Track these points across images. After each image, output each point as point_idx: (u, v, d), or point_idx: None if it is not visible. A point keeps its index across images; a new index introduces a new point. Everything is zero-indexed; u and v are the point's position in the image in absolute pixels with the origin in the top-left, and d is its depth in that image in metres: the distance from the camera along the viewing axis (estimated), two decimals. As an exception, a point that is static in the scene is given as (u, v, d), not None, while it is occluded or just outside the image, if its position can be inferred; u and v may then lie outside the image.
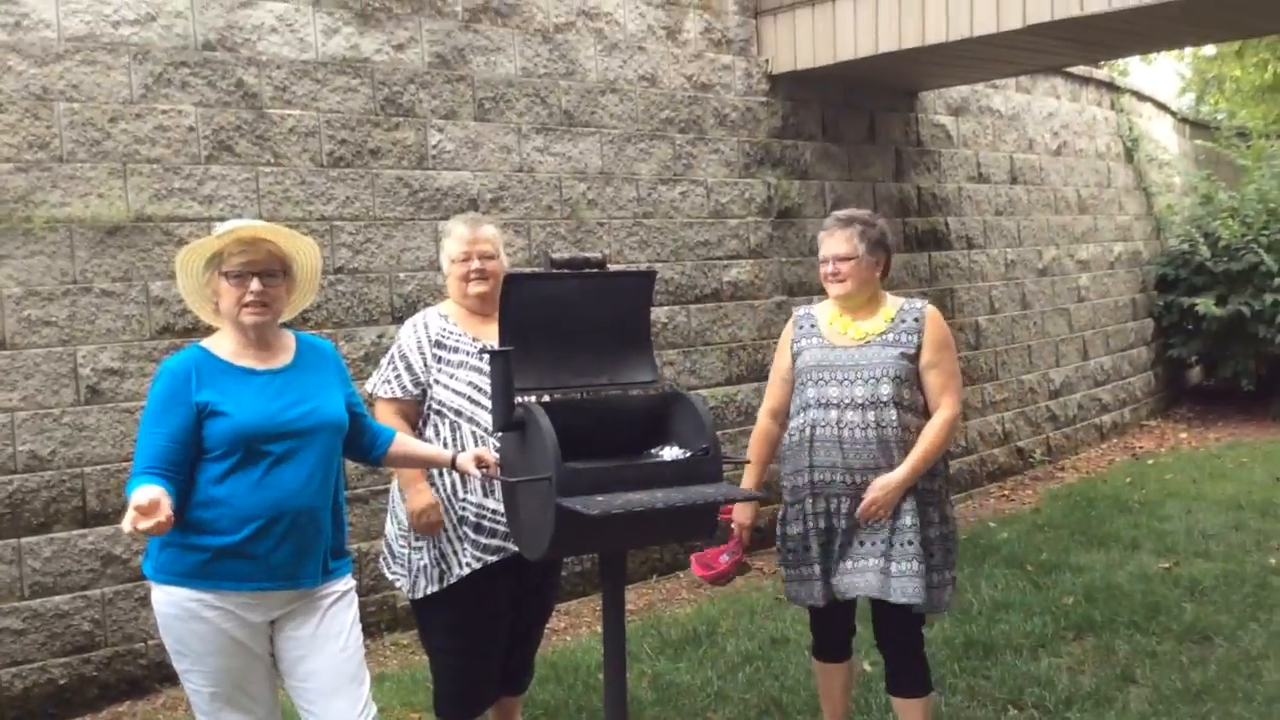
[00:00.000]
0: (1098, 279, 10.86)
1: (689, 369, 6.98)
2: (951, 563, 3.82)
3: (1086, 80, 10.94)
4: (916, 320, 3.78)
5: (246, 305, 3.04)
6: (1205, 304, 11.04)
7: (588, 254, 3.94)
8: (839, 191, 7.99)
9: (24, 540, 4.76)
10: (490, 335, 3.84)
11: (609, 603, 3.43)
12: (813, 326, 3.90)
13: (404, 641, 5.49)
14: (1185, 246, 11.79)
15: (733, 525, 3.95)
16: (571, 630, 5.81)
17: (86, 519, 4.91)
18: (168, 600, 3.00)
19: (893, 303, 3.87)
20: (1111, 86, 11.54)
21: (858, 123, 8.21)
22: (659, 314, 6.80)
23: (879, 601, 3.72)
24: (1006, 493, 8.84)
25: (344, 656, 3.16)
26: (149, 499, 2.68)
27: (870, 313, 3.82)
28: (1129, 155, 11.74)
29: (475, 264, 3.89)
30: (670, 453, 3.45)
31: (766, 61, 7.56)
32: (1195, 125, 15.00)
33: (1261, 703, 4.43)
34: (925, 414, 3.77)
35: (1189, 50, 19.18)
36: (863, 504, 3.67)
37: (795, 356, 3.88)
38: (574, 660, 5.10)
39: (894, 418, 3.66)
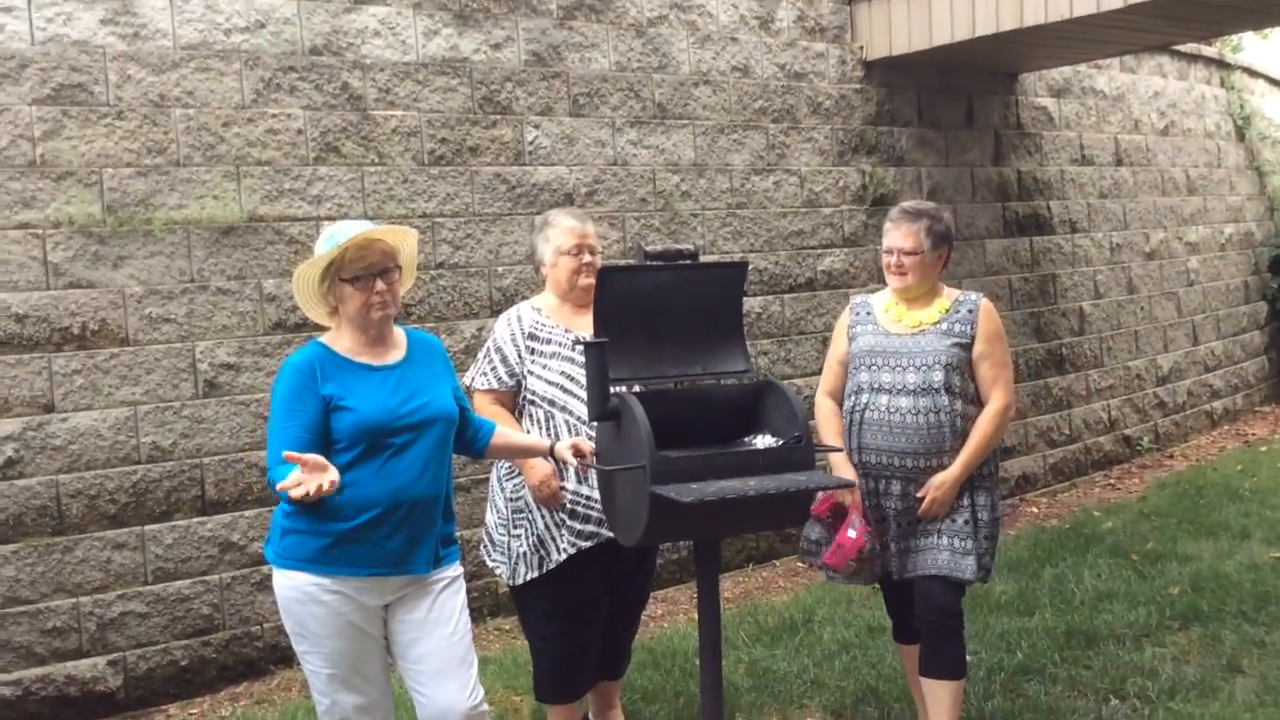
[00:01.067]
0: (1208, 262, 10.56)
1: (783, 358, 7.00)
2: (993, 549, 3.89)
3: (1194, 58, 10.62)
4: (970, 312, 3.86)
5: (373, 305, 3.16)
6: (1321, 286, 10.66)
7: (680, 246, 4.00)
8: (935, 178, 7.92)
9: (147, 528, 5.01)
10: (583, 327, 3.93)
11: (704, 589, 3.50)
12: (869, 314, 4.00)
13: (505, 626, 5.63)
14: (1301, 227, 11.40)
15: (843, 501, 3.95)
16: (669, 617, 5.89)
17: (205, 507, 5.14)
18: (289, 584, 3.13)
19: (948, 294, 3.96)
20: (1221, 64, 11.19)
21: (955, 107, 8.12)
22: (753, 304, 6.83)
23: (923, 581, 3.79)
24: (1112, 481, 8.67)
25: (453, 640, 3.28)
26: (313, 458, 2.85)
27: (926, 303, 3.90)
28: (1240, 134, 11.38)
29: (587, 256, 3.99)
30: (763, 441, 3.50)
31: (861, 48, 7.52)
32: (1313, 100, 14.43)
33: (1376, 695, 4.32)
34: (977, 401, 3.85)
35: (1306, 22, 18.43)
36: (923, 504, 3.77)
37: (851, 341, 3.97)
38: (671, 646, 5.18)
39: (946, 404, 3.74)
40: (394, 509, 3.13)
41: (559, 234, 4.04)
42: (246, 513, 5.21)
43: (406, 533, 3.17)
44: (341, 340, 3.23)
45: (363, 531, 3.09)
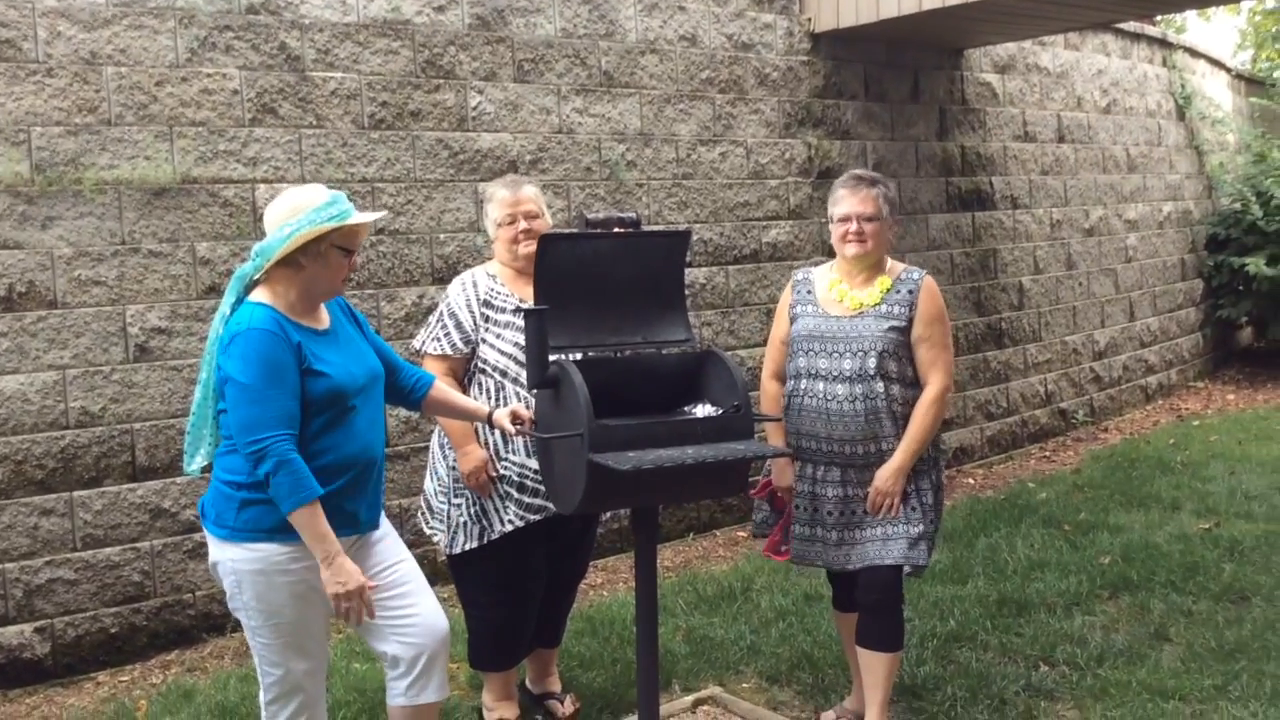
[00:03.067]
0: (1146, 239, 10.72)
1: (728, 329, 7.01)
2: (934, 530, 3.89)
3: (1138, 37, 10.75)
4: (911, 292, 3.81)
5: (347, 277, 3.21)
6: (1256, 264, 10.87)
7: (622, 214, 3.99)
8: (880, 151, 7.94)
9: (76, 494, 4.92)
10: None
11: (641, 556, 3.50)
12: (809, 293, 3.95)
13: (443, 595, 5.58)
14: (1237, 206, 11.62)
15: (779, 493, 4.00)
16: (609, 585, 5.90)
17: (136, 473, 5.05)
18: (251, 556, 3.05)
19: (891, 269, 3.89)
20: (1164, 43, 11.33)
21: (901, 82, 8.15)
22: (698, 274, 6.83)
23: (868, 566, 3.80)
24: (1048, 454, 8.81)
25: (414, 566, 3.36)
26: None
27: (869, 279, 3.85)
28: (1181, 113, 11.54)
29: (522, 224, 3.95)
30: (703, 410, 3.50)
31: (809, 20, 7.51)
32: (1251, 82, 14.68)
33: (1296, 662, 4.43)
34: (915, 384, 3.81)
35: (1247, 5, 18.75)
36: (870, 500, 3.76)
37: (792, 322, 3.94)
38: (610, 614, 5.19)
39: (881, 390, 3.72)
40: (363, 471, 3.16)
41: (494, 207, 4.03)
42: (178, 479, 5.13)
43: (370, 492, 3.22)
44: (282, 303, 3.11)
45: (335, 496, 3.07)
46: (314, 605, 3.13)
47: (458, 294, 3.97)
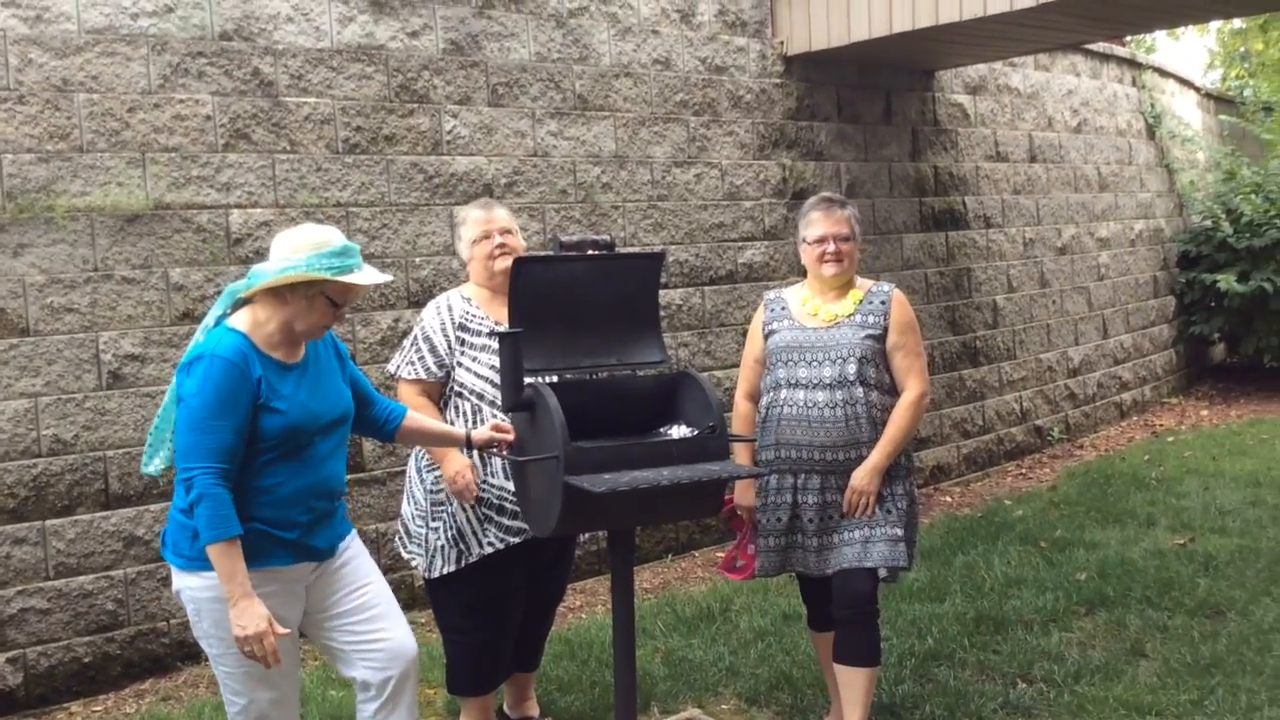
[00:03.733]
0: (1118, 256, 10.81)
1: (704, 350, 7.03)
2: (913, 538, 3.94)
3: (1107, 57, 10.87)
4: (883, 303, 3.91)
5: (329, 326, 3.17)
6: (1227, 281, 10.97)
7: (596, 236, 4.01)
8: (854, 172, 8.00)
9: (48, 522, 4.87)
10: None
11: (618, 578, 3.50)
12: (784, 309, 4.03)
13: (420, 620, 5.56)
14: (1208, 223, 11.73)
15: (739, 512, 4.02)
16: (587, 608, 5.89)
17: (109, 501, 5.01)
18: (207, 584, 3.02)
19: (861, 284, 4.00)
20: (1133, 63, 11.46)
21: (873, 103, 8.21)
22: (674, 296, 6.84)
23: (842, 573, 3.83)
24: (1024, 471, 8.85)
25: (384, 586, 3.36)
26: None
27: (841, 295, 3.94)
28: (1151, 132, 11.67)
29: (498, 239, 3.96)
30: (678, 432, 3.51)
31: (781, 43, 7.57)
32: (1220, 101, 14.86)
33: (1270, 675, 4.45)
34: (893, 392, 3.90)
35: (1215, 25, 18.99)
36: (847, 500, 3.80)
37: (767, 339, 3.99)
38: (588, 637, 5.17)
39: (861, 396, 3.79)
40: (314, 502, 3.14)
41: (468, 228, 4.05)
42: (152, 507, 5.09)
43: (326, 522, 3.21)
44: (258, 332, 3.09)
45: (284, 527, 3.08)
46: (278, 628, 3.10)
47: (432, 318, 3.97)
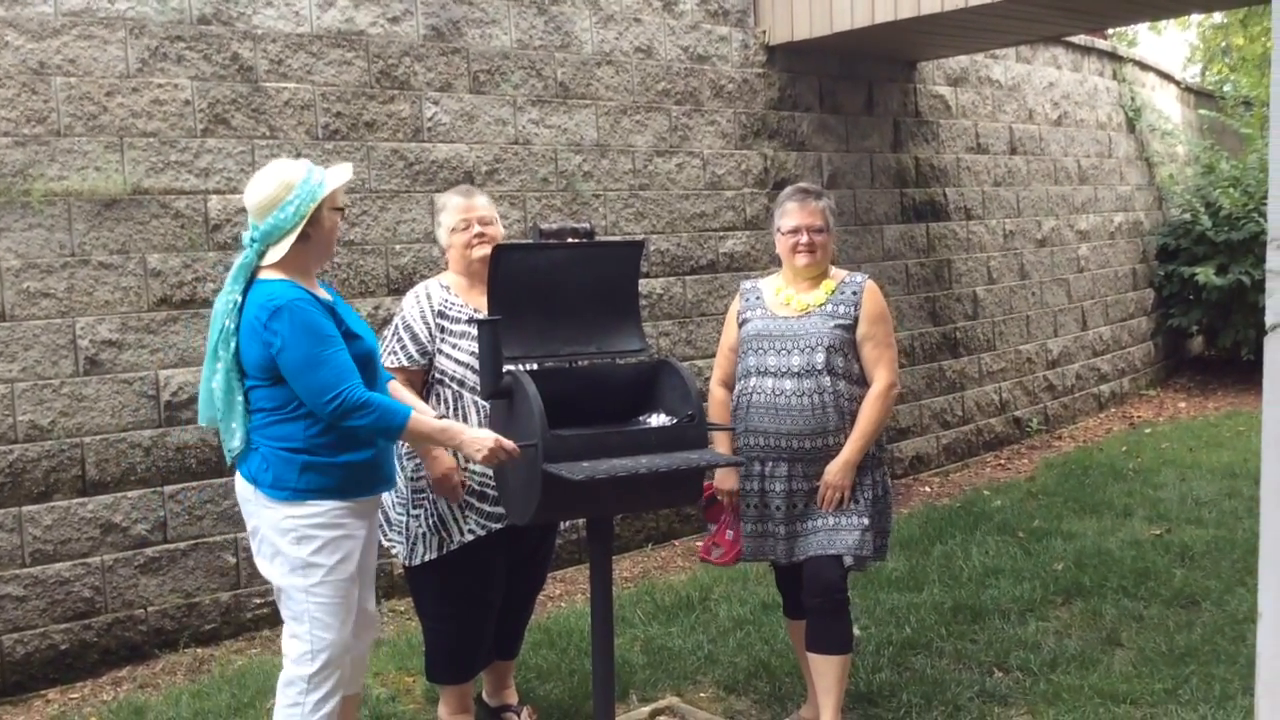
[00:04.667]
0: (1098, 249, 10.87)
1: (685, 339, 7.03)
2: (885, 528, 3.97)
3: (1088, 50, 10.91)
4: (855, 293, 3.94)
5: (339, 235, 3.50)
6: (1205, 274, 11.03)
7: (576, 224, 3.99)
8: (836, 163, 8.01)
9: (25, 509, 4.84)
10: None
11: (596, 567, 3.50)
12: (758, 299, 4.06)
13: (400, 608, 5.57)
14: (1187, 216, 11.79)
15: (719, 498, 4.03)
16: (566, 597, 5.89)
17: (86, 488, 4.98)
18: (312, 513, 3.23)
19: (835, 275, 4.02)
20: (1114, 56, 11.50)
21: (855, 94, 8.22)
22: (655, 285, 6.84)
23: (812, 561, 3.85)
24: (1002, 462, 8.89)
25: (373, 559, 3.56)
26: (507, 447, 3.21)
27: (815, 284, 3.97)
28: (1131, 125, 11.72)
29: (476, 228, 3.96)
30: (657, 420, 3.52)
31: (764, 33, 7.56)
32: (1200, 95, 14.94)
33: (1244, 664, 4.48)
34: (861, 382, 3.92)
35: (1196, 20, 19.09)
36: (820, 494, 3.83)
37: (741, 327, 4.03)
38: (567, 625, 5.18)
39: (829, 384, 3.81)
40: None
41: (447, 214, 4.05)
42: (129, 494, 5.07)
43: (392, 450, 3.49)
44: (298, 278, 3.28)
45: (376, 455, 3.33)
46: (366, 556, 3.38)
47: (412, 306, 3.96)
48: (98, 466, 5.01)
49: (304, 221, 3.22)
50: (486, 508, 3.86)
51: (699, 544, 6.69)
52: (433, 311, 3.92)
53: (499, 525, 3.86)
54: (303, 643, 3.31)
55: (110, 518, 5.03)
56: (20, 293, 4.85)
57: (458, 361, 3.88)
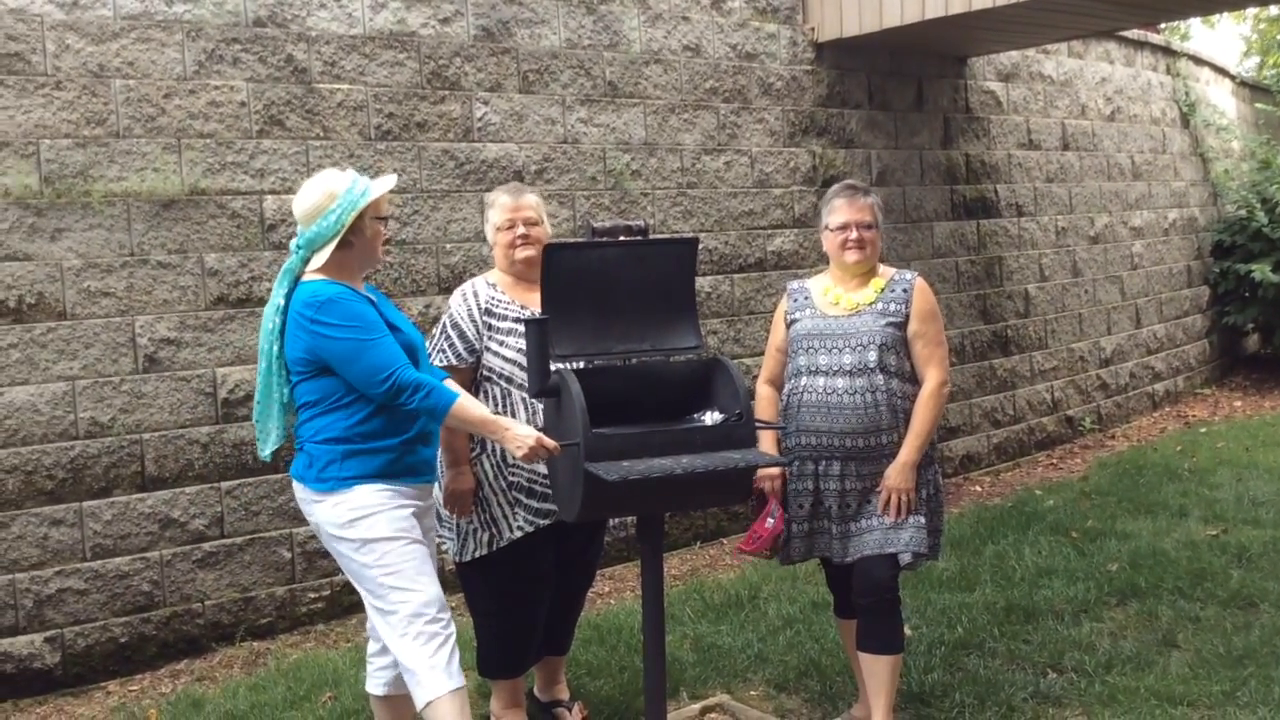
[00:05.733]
0: (1151, 246, 10.72)
1: (733, 338, 7.03)
2: (938, 527, 3.95)
3: (1141, 45, 10.77)
4: (905, 290, 3.91)
5: (385, 244, 3.55)
6: (1261, 270, 10.86)
7: (630, 222, 4.00)
8: (885, 160, 7.96)
9: (85, 504, 4.94)
10: (536, 302, 3.92)
11: (647, 564, 3.51)
12: (806, 299, 4.04)
13: (451, 603, 5.58)
14: (1242, 212, 11.61)
15: (761, 485, 4.00)
16: (616, 594, 5.91)
17: (145, 484, 5.07)
18: (355, 499, 3.30)
19: (884, 273, 3.99)
20: (1167, 50, 11.34)
21: (905, 90, 8.17)
22: (703, 283, 6.84)
23: (863, 560, 3.83)
24: (1055, 461, 8.80)
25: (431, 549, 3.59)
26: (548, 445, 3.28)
27: (863, 283, 3.94)
28: (1185, 120, 11.55)
29: (520, 229, 3.98)
30: (711, 418, 3.52)
31: (812, 30, 7.54)
32: (1256, 89, 14.69)
33: (1304, 668, 4.42)
34: (914, 380, 3.89)
35: (1251, 12, 18.76)
36: (884, 500, 3.80)
37: (789, 327, 4.01)
38: (617, 622, 5.19)
39: (881, 383, 3.79)
40: (431, 425, 3.47)
41: (494, 212, 4.07)
42: (187, 489, 5.15)
43: (436, 440, 3.56)
44: (340, 281, 3.37)
45: (415, 443, 3.40)
46: (419, 535, 3.39)
47: (459, 305, 3.99)
48: (156, 463, 5.09)
49: (345, 229, 3.32)
50: (535, 504, 3.88)
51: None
52: (480, 309, 3.94)
53: (547, 521, 3.89)
54: (393, 614, 3.29)
55: (169, 513, 5.12)
56: (81, 292, 4.94)
57: (505, 359, 3.90)
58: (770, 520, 3.94)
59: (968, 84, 8.67)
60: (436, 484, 3.80)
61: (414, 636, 3.27)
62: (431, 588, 3.34)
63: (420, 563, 3.35)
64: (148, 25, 5.10)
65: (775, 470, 3.94)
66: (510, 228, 4.00)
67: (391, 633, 3.30)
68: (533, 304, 3.93)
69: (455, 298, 4.04)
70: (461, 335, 3.92)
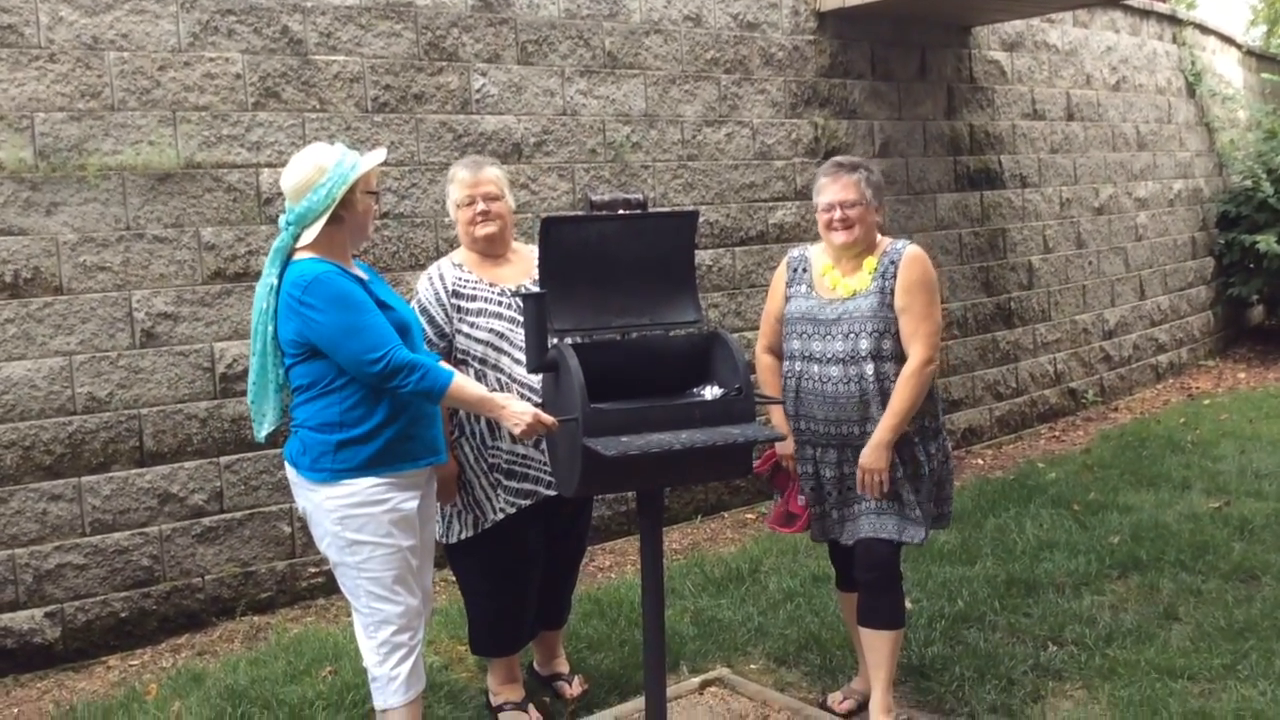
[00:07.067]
0: (1156, 217, 10.65)
1: (734, 311, 6.99)
2: (945, 495, 3.92)
3: (1147, 13, 10.66)
4: (893, 263, 3.78)
5: (373, 218, 3.49)
6: (1267, 242, 10.79)
7: (628, 195, 3.95)
8: (888, 131, 7.90)
9: (84, 479, 4.93)
10: (506, 279, 3.90)
11: (647, 538, 3.49)
12: (805, 271, 3.97)
13: (451, 578, 5.59)
14: (1248, 183, 11.53)
15: (784, 465, 3.99)
16: (616, 568, 5.91)
17: (144, 458, 5.06)
18: (347, 492, 3.27)
19: (880, 245, 3.87)
20: (1173, 19, 11.23)
21: (908, 60, 8.09)
22: (704, 256, 6.80)
23: (864, 539, 3.82)
24: (1057, 434, 8.78)
25: (431, 532, 3.63)
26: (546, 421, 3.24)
27: (858, 264, 3.83)
28: (1191, 90, 11.45)
29: (480, 206, 3.90)
30: (711, 392, 3.49)
31: (814, -1, 7.47)
32: (1263, 59, 14.56)
33: (1305, 641, 4.41)
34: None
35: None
36: (860, 480, 3.76)
37: (787, 301, 3.96)
38: (618, 596, 5.19)
39: (871, 372, 3.72)
40: (430, 406, 3.39)
41: (454, 188, 3.98)
42: (186, 464, 5.14)
43: (438, 419, 3.49)
44: (331, 258, 3.32)
45: (414, 426, 3.33)
46: (414, 535, 3.37)
47: (426, 289, 3.93)
48: (155, 438, 5.08)
49: (335, 204, 3.26)
50: (515, 484, 3.86)
51: (749, 516, 6.69)
52: (447, 292, 3.88)
53: (528, 501, 3.87)
54: (363, 617, 3.38)
55: (168, 488, 5.11)
56: (77, 266, 4.92)
57: (477, 340, 3.84)
58: (801, 498, 3.93)
59: (972, 53, 8.59)
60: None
61: (379, 644, 3.36)
62: (407, 599, 3.35)
63: (401, 571, 3.34)
64: (141, -4, 5.05)
65: (791, 448, 3.92)
66: (470, 204, 3.92)
67: (360, 631, 3.41)
68: (502, 281, 3.90)
69: (422, 282, 3.98)
70: (431, 320, 3.85)
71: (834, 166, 3.89)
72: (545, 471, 3.83)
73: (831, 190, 3.82)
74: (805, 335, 3.85)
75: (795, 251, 4.08)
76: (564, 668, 4.38)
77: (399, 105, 5.74)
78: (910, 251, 3.81)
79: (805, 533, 4.02)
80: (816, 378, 3.80)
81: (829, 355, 3.78)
